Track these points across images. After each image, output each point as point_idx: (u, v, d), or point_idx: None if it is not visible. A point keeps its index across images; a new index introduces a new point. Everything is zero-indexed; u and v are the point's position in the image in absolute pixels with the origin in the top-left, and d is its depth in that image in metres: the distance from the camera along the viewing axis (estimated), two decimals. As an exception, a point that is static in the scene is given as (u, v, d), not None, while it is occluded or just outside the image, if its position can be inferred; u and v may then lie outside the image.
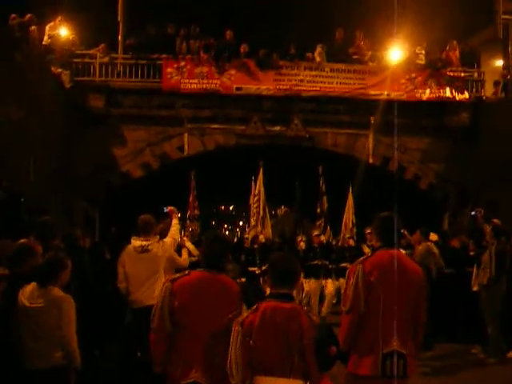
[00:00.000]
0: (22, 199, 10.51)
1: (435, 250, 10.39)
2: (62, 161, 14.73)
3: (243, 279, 12.12)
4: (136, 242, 6.99)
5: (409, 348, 4.18)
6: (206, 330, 3.86)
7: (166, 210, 8.09)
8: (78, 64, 16.24)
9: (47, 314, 4.71)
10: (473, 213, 13.90)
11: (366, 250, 11.65)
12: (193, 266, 10.78)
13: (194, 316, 3.88)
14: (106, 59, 16.38)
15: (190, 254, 10.88)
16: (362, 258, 4.39)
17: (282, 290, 3.72)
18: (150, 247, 6.95)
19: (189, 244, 11.26)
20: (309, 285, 12.33)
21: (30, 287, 4.80)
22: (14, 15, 14.63)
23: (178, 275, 4.16)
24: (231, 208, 40.36)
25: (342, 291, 7.11)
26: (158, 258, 7.01)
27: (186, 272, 4.17)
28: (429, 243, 10.53)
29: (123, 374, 7.37)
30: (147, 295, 6.63)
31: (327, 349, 3.59)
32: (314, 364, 3.56)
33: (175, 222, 7.76)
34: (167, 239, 7.43)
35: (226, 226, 43.26)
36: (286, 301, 3.68)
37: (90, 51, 16.42)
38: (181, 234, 11.15)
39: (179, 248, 8.16)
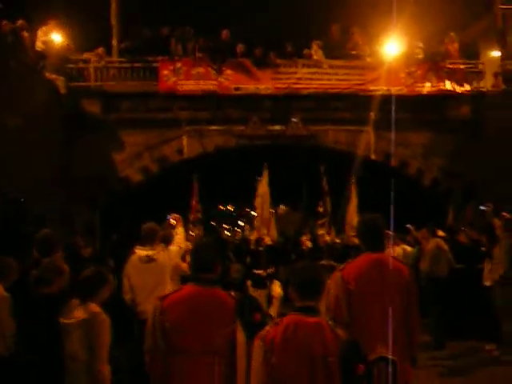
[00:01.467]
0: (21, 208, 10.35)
1: (445, 246, 10.20)
2: (59, 168, 14.58)
3: (249, 282, 11.91)
4: (141, 252, 6.81)
5: (400, 353, 4.03)
6: (201, 348, 3.65)
7: (169, 217, 7.96)
8: (73, 69, 16.04)
9: (81, 330, 4.53)
10: (482, 207, 13.81)
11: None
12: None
13: (187, 334, 3.67)
14: (102, 63, 16.15)
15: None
16: (341, 266, 4.27)
17: (306, 303, 3.48)
18: (155, 256, 6.78)
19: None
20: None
21: (71, 304, 4.65)
22: (5, 21, 14.42)
23: (168, 291, 4.00)
24: (231, 208, 40.19)
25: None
26: (164, 267, 6.85)
27: (177, 287, 4.00)
28: (438, 240, 10.35)
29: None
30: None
31: (354, 367, 3.37)
32: (338, 382, 3.34)
33: (180, 229, 7.62)
34: (173, 247, 7.28)
35: (226, 226, 43.08)
36: (310, 314, 3.44)
37: (85, 56, 16.18)
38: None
39: (184, 253, 7.99)
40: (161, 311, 3.72)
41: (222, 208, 37.35)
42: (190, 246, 11.14)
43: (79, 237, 9.63)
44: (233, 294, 3.93)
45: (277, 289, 10.96)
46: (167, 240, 7.69)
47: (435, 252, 10.04)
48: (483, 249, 10.13)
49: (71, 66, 15.97)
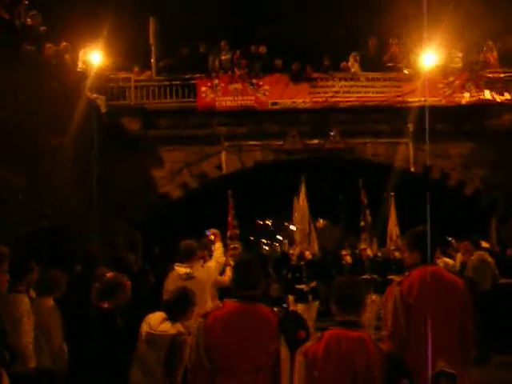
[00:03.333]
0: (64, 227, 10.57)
1: (489, 258, 10.01)
2: (99, 185, 14.82)
3: (291, 296, 11.90)
4: (180, 269, 6.86)
5: (458, 366, 4.00)
6: (245, 366, 3.61)
7: (208, 233, 8.00)
8: (113, 88, 16.34)
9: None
10: None
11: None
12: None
13: (230, 352, 3.62)
14: (141, 82, 16.43)
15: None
16: (398, 279, 4.28)
17: (348, 317, 3.46)
18: (194, 274, 6.81)
19: (232, 263, 11.15)
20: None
21: (157, 317, 4.85)
22: (49, 44, 14.80)
23: (210, 309, 3.95)
24: (269, 223, 40.11)
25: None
26: (204, 284, 6.87)
27: (220, 305, 3.93)
28: (482, 252, 10.16)
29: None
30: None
31: (397, 382, 3.34)
32: None
33: (218, 245, 7.65)
34: (211, 263, 7.32)
35: (264, 241, 43.02)
36: (352, 329, 3.42)
37: (125, 75, 16.48)
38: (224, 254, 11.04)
39: (223, 267, 8.01)
40: (204, 329, 3.70)
41: (260, 223, 37.32)
42: (230, 260, 11.24)
43: (131, 253, 9.77)
44: (276, 310, 3.91)
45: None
46: (205, 257, 7.74)
47: (478, 265, 9.85)
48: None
49: (111, 85, 16.25)
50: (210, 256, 7.85)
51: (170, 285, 6.78)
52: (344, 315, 3.48)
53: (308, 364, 3.36)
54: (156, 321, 4.78)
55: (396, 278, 4.86)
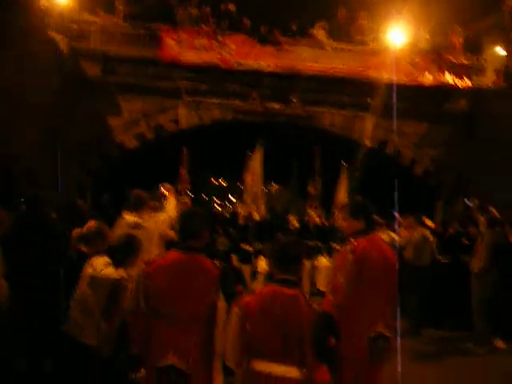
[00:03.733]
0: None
1: (430, 236, 10.33)
2: (55, 129, 14.54)
3: (235, 256, 12.05)
4: (129, 218, 6.86)
5: (391, 331, 4.39)
6: (183, 314, 3.72)
7: (162, 188, 8.00)
8: (75, 30, 15.87)
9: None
10: (467, 202, 13.92)
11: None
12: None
13: (170, 300, 3.73)
14: (106, 27, 16.01)
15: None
16: (350, 247, 4.43)
17: (285, 276, 3.59)
18: (143, 223, 6.83)
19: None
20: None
21: (101, 261, 4.89)
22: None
23: (154, 256, 4.03)
24: (223, 183, 40.14)
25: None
26: (151, 235, 6.90)
27: (163, 254, 4.04)
28: (423, 229, 10.47)
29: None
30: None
31: (326, 340, 3.50)
32: (311, 353, 3.46)
33: (172, 199, 7.66)
34: (162, 216, 7.33)
35: (216, 200, 43.04)
36: (288, 286, 3.55)
37: (89, 17, 16.04)
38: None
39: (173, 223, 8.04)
40: (145, 275, 3.78)
41: (214, 182, 37.29)
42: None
43: (80, 199, 9.68)
44: (218, 263, 4.01)
45: (262, 264, 11.11)
46: (156, 208, 7.75)
47: (420, 241, 10.16)
48: (467, 242, 10.33)
49: (75, 26, 15.78)
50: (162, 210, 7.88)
51: (118, 232, 6.79)
52: (281, 273, 3.60)
53: (242, 316, 3.49)
54: (100, 264, 4.82)
55: (338, 247, 5.07)
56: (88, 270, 4.83)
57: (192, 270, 3.80)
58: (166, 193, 8.16)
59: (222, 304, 3.74)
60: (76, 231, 5.93)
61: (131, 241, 5.03)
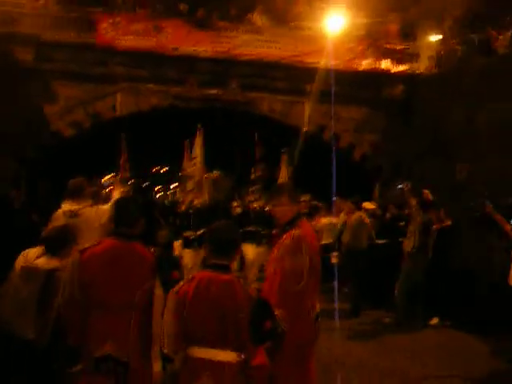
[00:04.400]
0: None
1: (367, 220, 10.55)
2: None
3: (177, 242, 11.94)
4: (65, 207, 6.66)
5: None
6: (119, 302, 3.70)
7: (106, 177, 7.88)
8: (4, 13, 15.29)
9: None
10: (400, 186, 14.26)
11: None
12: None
13: (105, 288, 3.70)
14: (36, 9, 15.49)
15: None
16: (296, 232, 4.35)
17: (220, 261, 3.57)
18: (80, 212, 6.65)
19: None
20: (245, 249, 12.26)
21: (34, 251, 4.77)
22: None
23: (87, 245, 3.91)
24: (163, 171, 39.73)
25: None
26: (91, 224, 6.72)
27: (96, 241, 3.95)
28: (361, 213, 10.68)
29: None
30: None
31: (262, 323, 3.52)
32: (247, 338, 3.47)
33: (117, 189, 7.51)
34: (104, 206, 7.16)
35: (157, 188, 42.58)
36: (223, 272, 3.54)
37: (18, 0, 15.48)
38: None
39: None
40: (79, 264, 3.72)
41: (155, 170, 36.90)
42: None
43: (14, 190, 9.40)
44: (153, 250, 3.98)
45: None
46: (97, 197, 7.58)
47: (357, 225, 10.37)
48: (401, 224, 10.61)
49: (1, 8, 15.18)
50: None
51: (54, 223, 6.61)
52: (216, 258, 3.58)
53: (178, 303, 3.46)
54: (33, 255, 4.70)
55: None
56: (19, 261, 4.70)
57: (127, 257, 3.77)
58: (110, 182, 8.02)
59: (158, 291, 3.72)
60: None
61: (65, 229, 4.91)
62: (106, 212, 7.04)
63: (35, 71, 14.94)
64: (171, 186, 42.57)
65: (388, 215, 12.46)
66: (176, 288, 3.53)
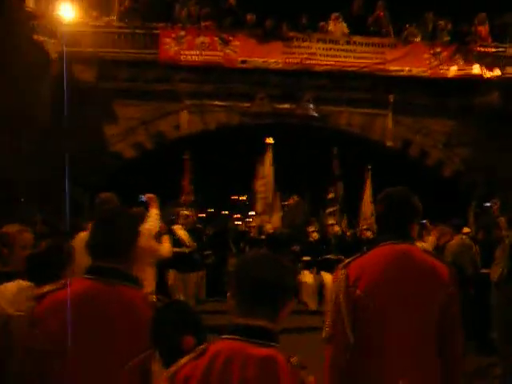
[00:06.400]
0: None
1: (472, 244, 8.78)
2: (45, 140, 13.35)
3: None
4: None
5: None
6: (92, 382, 2.23)
7: (143, 198, 6.62)
8: (68, 33, 14.65)
9: None
10: (487, 204, 12.55)
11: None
12: (181, 257, 9.34)
13: (71, 363, 2.20)
14: (99, 28, 14.78)
15: (179, 243, 9.45)
16: (347, 260, 2.87)
17: (252, 321, 1.94)
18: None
19: (181, 232, 9.84)
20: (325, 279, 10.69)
21: None
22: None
23: (48, 288, 2.36)
24: (243, 198, 38.92)
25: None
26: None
27: (65, 282, 2.40)
28: (463, 237, 8.92)
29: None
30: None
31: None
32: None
33: (154, 211, 6.20)
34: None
35: (238, 216, 41.71)
36: (258, 342, 1.90)
37: (81, 18, 14.83)
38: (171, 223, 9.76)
39: (159, 236, 6.65)
40: (31, 322, 2.23)
41: (235, 198, 36.28)
42: (178, 229, 9.85)
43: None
44: (155, 297, 2.42)
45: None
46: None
47: (458, 252, 8.62)
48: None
49: (65, 29, 14.56)
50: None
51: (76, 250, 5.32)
52: (247, 317, 1.95)
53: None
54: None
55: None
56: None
57: (105, 309, 2.25)
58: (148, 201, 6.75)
59: (158, 368, 2.11)
60: None
61: (53, 252, 3.42)
62: (143, 235, 5.77)
63: (96, 90, 14.13)
64: (250, 214, 41.56)
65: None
66: (174, 369, 1.89)
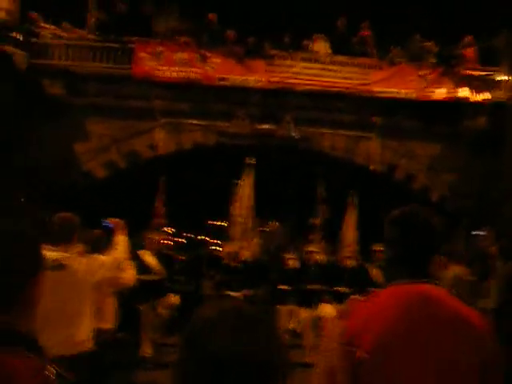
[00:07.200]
0: None
1: (469, 276, 8.09)
2: (11, 156, 12.57)
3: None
4: (51, 254, 4.56)
5: None
6: None
7: (107, 223, 5.91)
8: (37, 45, 13.95)
9: None
10: (480, 232, 12.05)
11: (374, 272, 9.31)
12: (152, 284, 8.56)
13: None
14: (70, 40, 14.11)
15: (145, 269, 8.64)
16: (346, 308, 2.31)
17: None
18: (66, 262, 4.59)
19: (149, 258, 9.03)
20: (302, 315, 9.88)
21: None
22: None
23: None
24: (222, 223, 37.99)
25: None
26: (79, 280, 4.65)
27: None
28: (458, 267, 8.22)
29: None
30: (63, 340, 4.25)
31: None
32: None
33: (121, 238, 5.44)
34: (106, 258, 5.11)
35: (214, 241, 40.73)
36: None
37: (51, 29, 14.13)
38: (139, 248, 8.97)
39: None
40: None
41: (212, 223, 35.34)
42: (145, 254, 9.04)
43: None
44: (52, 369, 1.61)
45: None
46: (97, 246, 5.66)
47: (455, 282, 7.91)
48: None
49: (35, 40, 13.85)
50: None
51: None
52: None
53: None
54: None
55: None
56: None
57: None
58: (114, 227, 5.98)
59: None
60: None
61: None
62: (103, 266, 4.99)
63: (66, 105, 13.40)
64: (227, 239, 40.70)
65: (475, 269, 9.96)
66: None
